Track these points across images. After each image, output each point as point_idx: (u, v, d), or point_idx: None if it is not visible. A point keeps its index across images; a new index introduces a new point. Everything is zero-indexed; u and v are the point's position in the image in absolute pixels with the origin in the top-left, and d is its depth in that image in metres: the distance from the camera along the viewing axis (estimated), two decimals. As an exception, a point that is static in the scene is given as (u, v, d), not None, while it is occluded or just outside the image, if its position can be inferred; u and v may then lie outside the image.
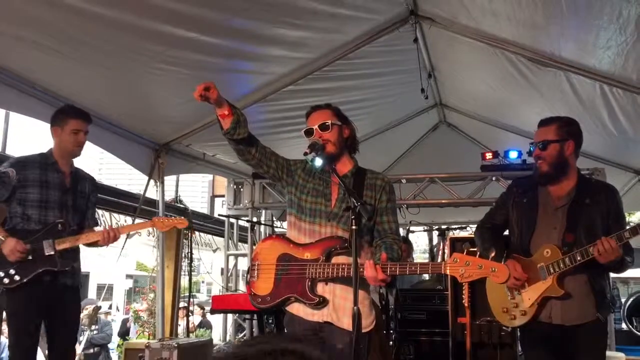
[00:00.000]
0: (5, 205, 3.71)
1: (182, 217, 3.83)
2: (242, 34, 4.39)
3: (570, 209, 3.22)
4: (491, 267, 2.74)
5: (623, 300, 8.92)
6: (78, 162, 4.01)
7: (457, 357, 5.39)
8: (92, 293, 18.60)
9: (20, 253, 3.51)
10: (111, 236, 3.73)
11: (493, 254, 3.23)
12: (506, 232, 3.53)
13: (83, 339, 8.47)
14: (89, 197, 3.95)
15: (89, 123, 3.85)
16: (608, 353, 3.97)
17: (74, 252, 3.78)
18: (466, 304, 4.62)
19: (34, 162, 3.73)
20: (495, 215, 3.54)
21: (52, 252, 3.60)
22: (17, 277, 3.53)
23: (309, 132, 3.10)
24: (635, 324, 8.03)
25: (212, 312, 6.38)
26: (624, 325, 8.18)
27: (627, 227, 3.04)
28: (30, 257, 3.55)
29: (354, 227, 2.70)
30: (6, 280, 3.53)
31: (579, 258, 3.05)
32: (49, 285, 3.62)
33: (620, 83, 4.53)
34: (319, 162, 3.00)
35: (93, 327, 9.65)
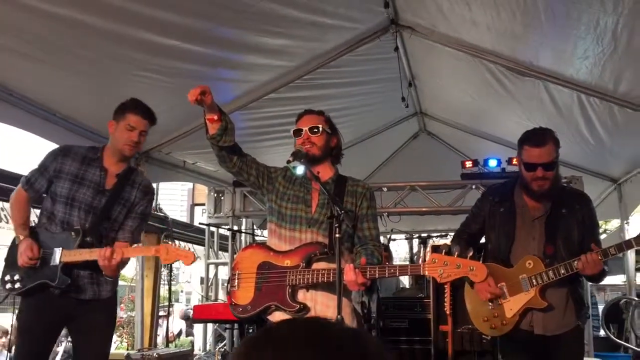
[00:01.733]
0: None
1: (190, 252, 3.37)
2: (224, 42, 4.38)
3: (548, 220, 3.25)
4: (469, 266, 2.76)
5: (600, 307, 9.02)
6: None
7: (439, 365, 5.40)
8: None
9: (29, 259, 3.18)
10: (106, 255, 3.14)
11: (471, 253, 3.27)
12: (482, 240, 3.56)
13: (60, 349, 8.33)
14: (132, 207, 3.44)
15: (150, 122, 3.37)
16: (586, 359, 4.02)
17: (92, 266, 3.25)
18: (448, 312, 4.64)
19: (76, 154, 3.36)
20: (470, 224, 3.54)
21: (57, 263, 3.20)
22: (17, 285, 3.24)
23: (297, 132, 3.11)
24: (612, 330, 8.10)
25: (193, 321, 6.33)
26: (601, 332, 8.27)
27: (614, 244, 3.07)
28: (38, 265, 3.21)
29: (337, 235, 2.69)
30: (8, 285, 3.26)
31: (562, 272, 3.08)
32: (61, 299, 3.23)
33: (597, 92, 4.60)
34: (300, 169, 3.01)
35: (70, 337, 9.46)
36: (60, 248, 3.22)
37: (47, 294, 3.23)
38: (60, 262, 3.20)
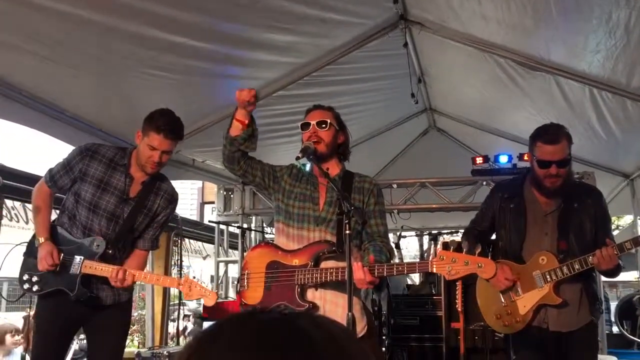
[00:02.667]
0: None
1: (213, 292, 3.34)
2: (231, 39, 4.36)
3: (561, 215, 3.22)
4: (477, 262, 2.73)
5: (613, 304, 8.95)
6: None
7: (450, 363, 5.37)
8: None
9: (49, 266, 3.14)
10: (119, 277, 3.12)
11: (479, 250, 3.24)
12: (493, 237, 3.52)
13: (72, 346, 8.41)
14: (155, 216, 3.38)
15: (174, 141, 3.24)
16: (600, 356, 3.97)
17: (104, 278, 3.21)
18: (459, 309, 4.61)
19: (103, 157, 3.28)
20: (480, 221, 3.52)
21: (76, 273, 3.17)
22: (35, 287, 3.23)
23: (305, 126, 3.08)
24: (625, 327, 8.05)
25: (204, 319, 6.34)
26: (615, 329, 8.21)
27: (630, 238, 3.04)
28: (57, 269, 3.17)
29: (347, 232, 2.67)
30: (26, 286, 3.25)
31: (577, 267, 3.04)
32: (77, 303, 3.22)
33: (610, 87, 4.54)
34: (309, 165, 3.00)
35: (82, 335, 9.49)
36: (82, 257, 3.19)
37: (64, 297, 3.21)
38: (80, 272, 3.17)
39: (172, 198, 3.45)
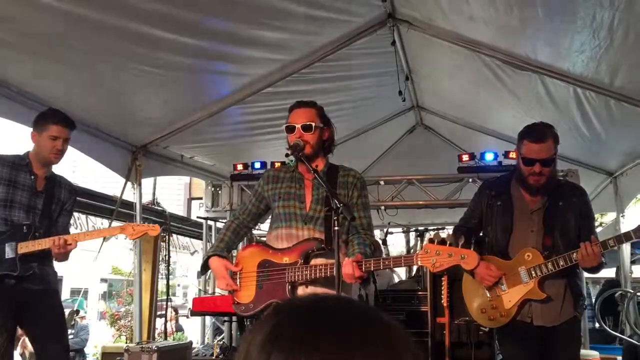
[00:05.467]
0: None
1: (155, 224, 3.60)
2: (221, 36, 4.38)
3: (546, 212, 3.28)
4: (460, 254, 2.78)
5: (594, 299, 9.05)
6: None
7: (436, 357, 5.42)
8: (66, 297, 18.32)
9: None
10: (60, 244, 3.42)
11: (462, 242, 3.29)
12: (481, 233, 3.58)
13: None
14: (63, 205, 3.75)
15: (70, 130, 3.64)
16: (582, 351, 4.05)
17: (39, 257, 3.52)
18: (445, 304, 4.66)
19: (5, 161, 3.57)
20: (469, 219, 3.56)
21: (13, 256, 3.41)
22: None
23: (290, 129, 3.08)
24: (607, 322, 8.15)
25: (192, 314, 6.35)
26: (597, 324, 8.31)
27: (613, 236, 3.12)
28: None
29: (336, 228, 2.71)
30: None
31: (562, 263, 3.10)
32: (14, 290, 3.44)
33: (593, 86, 4.62)
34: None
35: (69, 331, 9.48)
36: (13, 242, 3.43)
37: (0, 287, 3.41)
38: (17, 254, 3.42)
39: (72, 189, 3.89)
